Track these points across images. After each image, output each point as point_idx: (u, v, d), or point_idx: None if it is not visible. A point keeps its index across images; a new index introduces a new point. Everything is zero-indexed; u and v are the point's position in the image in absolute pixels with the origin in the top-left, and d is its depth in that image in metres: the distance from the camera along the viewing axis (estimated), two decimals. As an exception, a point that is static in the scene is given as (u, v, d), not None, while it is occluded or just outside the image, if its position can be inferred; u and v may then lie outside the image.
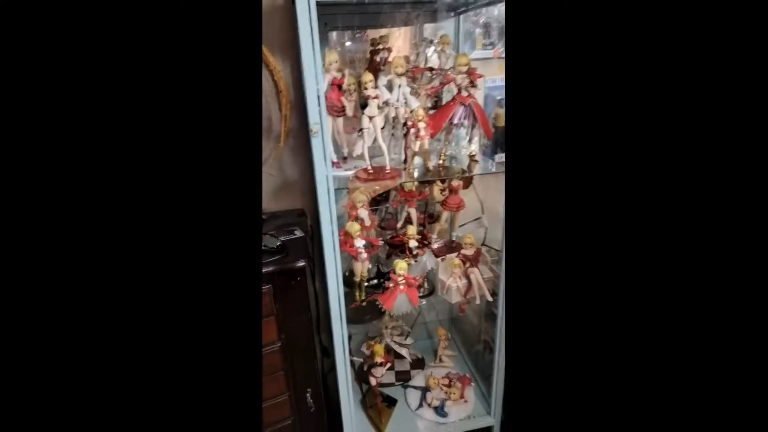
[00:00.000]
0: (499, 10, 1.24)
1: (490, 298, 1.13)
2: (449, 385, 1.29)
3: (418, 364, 1.43)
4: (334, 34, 1.22)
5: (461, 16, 1.22)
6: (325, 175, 0.89)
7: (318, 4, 0.76)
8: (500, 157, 1.18)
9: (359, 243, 1.03)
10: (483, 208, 1.29)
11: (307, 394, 1.12)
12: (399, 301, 1.05)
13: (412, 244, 1.12)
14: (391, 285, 1.06)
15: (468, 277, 1.12)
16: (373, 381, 1.20)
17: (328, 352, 1.52)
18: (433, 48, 1.13)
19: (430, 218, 1.35)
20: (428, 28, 1.27)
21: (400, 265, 1.04)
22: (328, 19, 1.17)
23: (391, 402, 1.30)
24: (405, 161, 1.01)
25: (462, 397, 1.27)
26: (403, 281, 1.05)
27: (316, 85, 0.80)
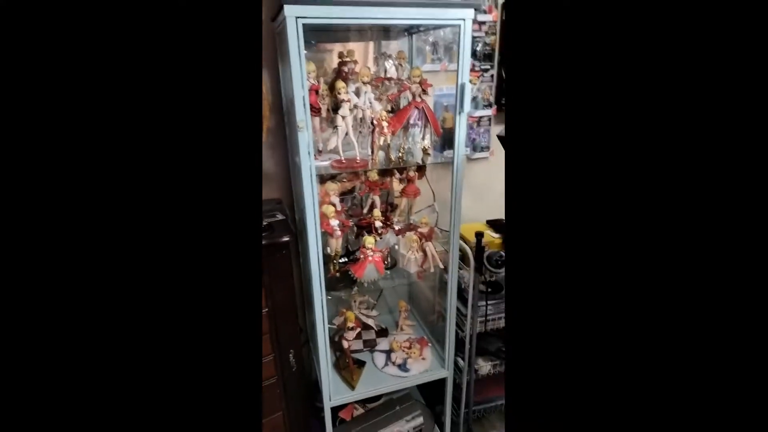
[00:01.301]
0: (444, 32, 1.50)
1: (441, 266, 1.37)
2: (410, 347, 1.52)
3: (383, 333, 1.65)
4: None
5: (414, 36, 1.47)
6: (308, 164, 1.08)
7: (304, 26, 0.96)
8: (449, 152, 1.43)
9: (334, 222, 1.24)
10: (435, 196, 1.53)
11: (290, 355, 1.29)
12: (368, 269, 1.26)
13: (378, 224, 1.34)
14: (361, 257, 1.27)
15: (424, 251, 1.36)
16: (345, 344, 1.40)
17: (301, 329, 1.69)
18: (391, 62, 1.37)
19: (390, 207, 1.58)
20: (385, 45, 1.51)
21: (369, 240, 1.26)
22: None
23: (360, 363, 1.50)
24: (371, 153, 1.23)
25: (421, 355, 1.50)
26: (371, 253, 1.26)
27: (302, 90, 1.00)
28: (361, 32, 1.45)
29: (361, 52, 1.48)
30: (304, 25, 0.96)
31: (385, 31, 1.47)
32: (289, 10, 0.93)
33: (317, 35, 1.40)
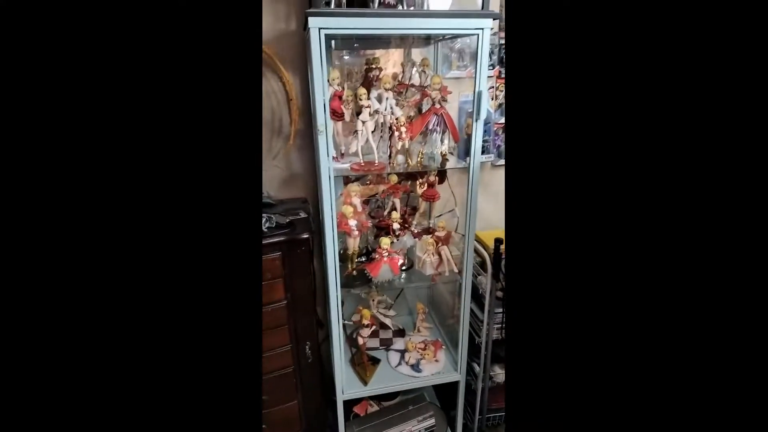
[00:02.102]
0: (471, 40, 1.51)
1: (456, 270, 1.39)
2: (424, 348, 1.54)
3: (399, 333, 1.68)
4: (332, 42, 1.44)
5: (439, 44, 1.50)
6: (327, 166, 1.14)
7: (327, 36, 1.03)
8: (468, 159, 1.45)
9: (352, 222, 1.29)
10: (456, 201, 1.55)
11: (306, 346, 1.36)
12: (383, 269, 1.31)
13: (395, 226, 1.38)
14: (377, 257, 1.31)
15: (439, 254, 1.38)
16: (360, 340, 1.45)
17: (322, 324, 1.76)
18: (415, 69, 1.40)
19: (412, 210, 1.61)
20: (414, 52, 1.55)
21: (384, 241, 1.30)
22: (328, 41, 1.42)
23: (375, 361, 1.54)
24: (390, 157, 1.27)
25: (434, 357, 1.52)
26: (387, 254, 1.30)
27: (323, 96, 1.07)
28: (402, 38, 1.49)
29: (395, 54, 1.52)
30: (327, 35, 1.02)
31: (421, 39, 1.50)
32: (313, 22, 0.99)
33: (347, 40, 1.46)
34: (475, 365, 1.65)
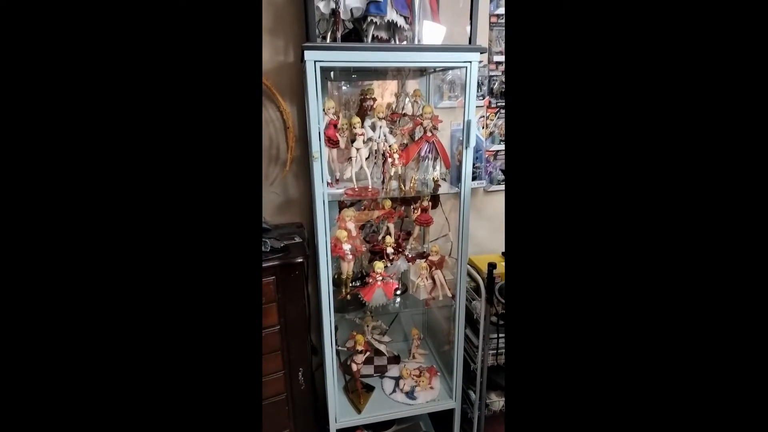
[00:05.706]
0: (460, 71, 1.58)
1: (449, 294, 1.39)
2: (419, 375, 1.52)
3: (394, 360, 1.67)
4: (330, 73, 1.47)
5: (431, 75, 1.56)
6: (322, 191, 1.17)
7: (321, 68, 1.08)
8: (460, 184, 1.49)
9: (346, 247, 1.31)
10: (449, 226, 1.57)
11: (299, 373, 1.34)
12: (377, 294, 1.31)
13: (389, 250, 1.40)
14: (371, 281, 1.32)
15: (433, 278, 1.39)
16: (354, 366, 1.43)
17: (316, 350, 1.74)
18: (408, 99, 1.46)
19: (406, 234, 1.63)
20: (409, 83, 1.61)
21: (378, 265, 1.31)
22: (325, 73, 1.49)
23: (369, 388, 1.52)
24: (383, 183, 1.31)
25: (429, 384, 1.51)
26: (380, 278, 1.32)
27: (318, 124, 1.11)
28: (397, 70, 1.54)
29: (392, 88, 1.58)
30: (322, 68, 1.07)
31: (415, 70, 1.56)
32: (309, 55, 1.05)
33: (344, 72, 1.52)
34: (471, 392, 1.63)
